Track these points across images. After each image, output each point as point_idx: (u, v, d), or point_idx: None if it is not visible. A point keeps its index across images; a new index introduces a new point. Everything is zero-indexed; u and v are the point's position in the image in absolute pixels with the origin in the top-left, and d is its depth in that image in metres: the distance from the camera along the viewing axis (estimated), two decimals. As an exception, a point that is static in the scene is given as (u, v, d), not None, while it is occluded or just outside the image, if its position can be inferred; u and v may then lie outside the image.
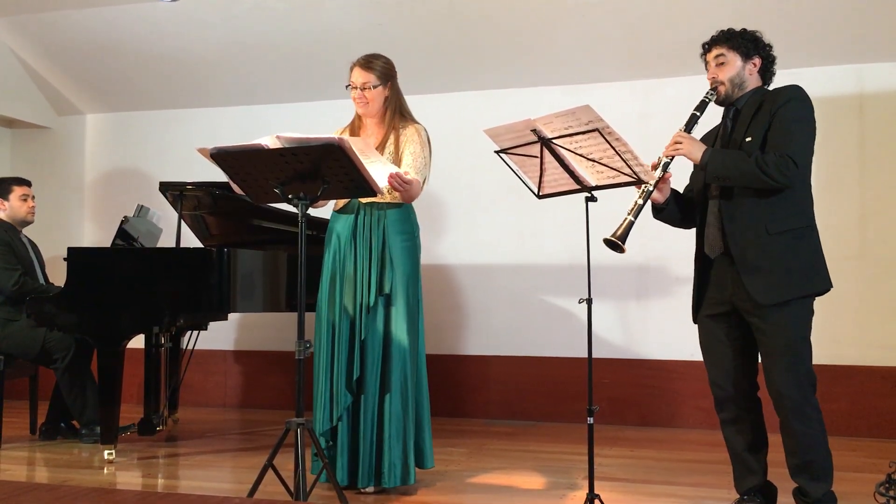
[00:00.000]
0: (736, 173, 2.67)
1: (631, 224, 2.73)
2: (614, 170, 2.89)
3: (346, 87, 3.38)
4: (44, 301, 3.95)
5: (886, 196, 4.61)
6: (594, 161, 2.89)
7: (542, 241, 5.11)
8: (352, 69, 3.37)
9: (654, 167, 2.77)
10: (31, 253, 4.54)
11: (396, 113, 3.40)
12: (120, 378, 3.87)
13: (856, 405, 4.51)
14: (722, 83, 2.82)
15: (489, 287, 5.23)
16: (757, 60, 2.83)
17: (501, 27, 4.76)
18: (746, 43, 2.81)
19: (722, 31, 2.87)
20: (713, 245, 2.80)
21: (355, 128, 3.44)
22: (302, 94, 5.51)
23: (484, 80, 5.19)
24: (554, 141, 2.88)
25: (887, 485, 3.01)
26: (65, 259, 3.92)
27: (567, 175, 2.99)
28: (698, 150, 2.74)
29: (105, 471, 3.74)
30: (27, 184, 4.57)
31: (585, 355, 3.01)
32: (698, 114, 2.82)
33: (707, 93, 2.83)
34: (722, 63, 2.82)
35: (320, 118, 5.20)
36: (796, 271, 2.67)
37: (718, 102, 2.86)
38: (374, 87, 3.32)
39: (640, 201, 2.75)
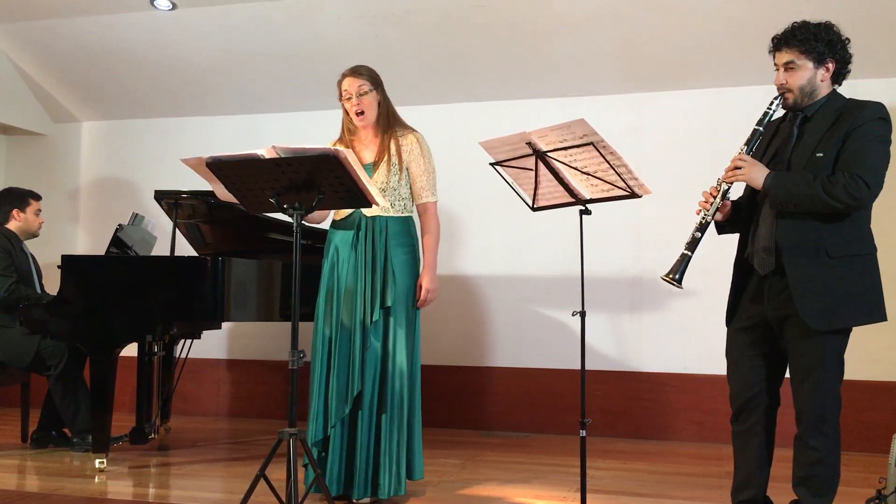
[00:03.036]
0: (801, 198, 2.50)
1: (688, 259, 2.61)
2: (608, 183, 2.90)
3: (339, 99, 3.38)
4: (37, 308, 3.94)
5: (879, 209, 4.62)
6: (589, 174, 2.91)
7: (536, 252, 5.12)
8: (340, 81, 3.38)
9: (713, 194, 2.64)
10: (31, 264, 4.56)
11: (389, 119, 3.41)
12: (112, 386, 3.86)
13: (845, 419, 4.44)
14: (790, 90, 2.61)
15: (483, 298, 5.24)
16: (830, 65, 2.61)
17: (497, 39, 4.79)
18: (821, 47, 2.58)
19: (796, 27, 2.62)
20: (764, 262, 2.64)
21: (346, 141, 3.42)
22: (298, 104, 5.53)
23: (479, 92, 5.21)
24: (549, 154, 2.90)
25: (877, 500, 3.02)
26: (59, 266, 3.92)
27: (562, 188, 3.00)
28: (760, 175, 2.56)
29: (96, 479, 3.73)
30: (41, 199, 4.65)
31: (578, 367, 3.02)
32: (760, 129, 2.65)
33: (770, 103, 2.63)
34: (792, 69, 2.60)
35: (316, 128, 5.22)
36: (853, 299, 2.55)
37: (785, 108, 2.67)
38: (369, 91, 3.33)
39: (699, 234, 2.62)
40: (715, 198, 2.65)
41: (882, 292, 2.62)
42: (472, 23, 4.70)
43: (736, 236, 2.84)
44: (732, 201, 2.79)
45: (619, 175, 2.85)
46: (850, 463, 4.15)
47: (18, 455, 4.27)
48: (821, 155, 2.55)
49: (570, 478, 3.75)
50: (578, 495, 2.99)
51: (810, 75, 2.60)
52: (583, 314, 2.99)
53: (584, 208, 3.01)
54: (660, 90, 4.96)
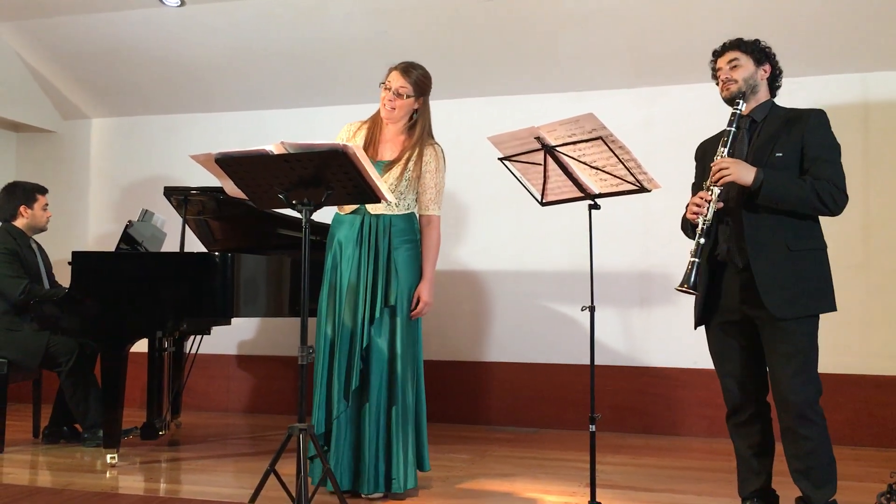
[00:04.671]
0: (791, 198, 2.66)
1: (696, 265, 2.68)
2: (617, 178, 2.90)
3: (380, 84, 3.37)
4: (48, 304, 3.96)
5: (891, 205, 4.60)
6: (597, 169, 2.90)
7: (545, 247, 5.11)
8: (390, 71, 3.37)
9: (707, 199, 2.72)
10: (38, 259, 4.55)
11: (423, 129, 3.39)
12: (123, 382, 3.87)
13: (859, 414, 4.51)
14: (735, 81, 2.82)
15: (491, 293, 5.24)
16: (767, 67, 2.86)
17: (505, 34, 4.78)
18: (757, 50, 2.85)
19: (731, 39, 2.90)
20: (737, 255, 2.76)
21: (377, 125, 3.41)
22: (306, 100, 5.53)
23: (487, 87, 5.20)
24: (557, 149, 2.90)
25: (888, 494, 3.01)
26: (69, 263, 3.93)
27: (570, 182, 3.00)
28: (748, 173, 2.68)
29: (107, 475, 3.75)
30: (47, 192, 4.61)
31: (588, 362, 3.02)
32: (733, 129, 2.77)
33: (735, 104, 2.79)
34: (736, 66, 2.83)
35: (324, 123, 5.22)
36: (812, 290, 2.70)
37: (728, 98, 2.83)
38: (408, 96, 3.33)
39: (702, 240, 2.70)
40: (709, 202, 2.72)
41: (833, 284, 2.77)
42: (480, 18, 4.69)
43: None
44: None
45: (628, 169, 2.84)
46: (861, 457, 4.14)
47: (30, 450, 4.29)
48: (780, 155, 2.73)
49: (580, 473, 3.74)
50: (588, 490, 2.99)
51: (752, 71, 2.84)
52: (592, 309, 3.00)
53: (593, 203, 3.01)
54: (669, 84, 4.94)
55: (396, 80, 3.33)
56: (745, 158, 2.77)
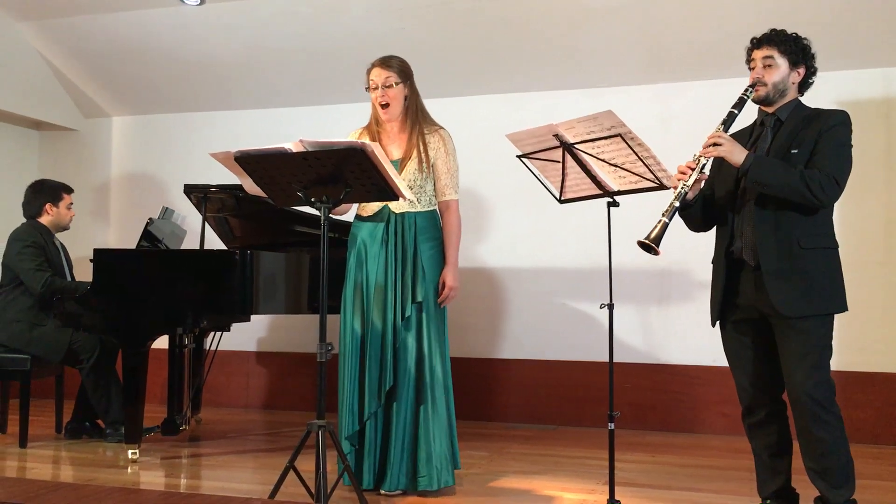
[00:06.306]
0: (779, 183, 2.62)
1: (665, 226, 2.67)
2: (637, 175, 2.89)
3: (366, 89, 3.39)
4: (70, 301, 4.00)
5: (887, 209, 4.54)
6: (616, 166, 2.89)
7: (563, 245, 5.10)
8: (369, 71, 3.37)
9: (691, 167, 2.70)
10: (62, 256, 4.60)
11: (418, 115, 3.40)
12: (144, 378, 3.91)
13: (881, 413, 4.46)
14: (765, 84, 2.75)
15: (510, 291, 5.23)
16: (802, 70, 2.78)
17: (523, 31, 4.77)
18: (797, 50, 2.76)
19: (775, 30, 2.78)
20: (751, 253, 2.74)
21: (373, 132, 3.42)
22: (324, 98, 5.55)
23: (505, 84, 5.19)
24: (576, 146, 2.89)
25: (912, 494, 2.98)
26: (91, 260, 3.97)
27: (589, 180, 2.99)
28: (739, 153, 2.66)
29: (129, 470, 3.78)
30: (72, 192, 4.67)
31: (607, 360, 3.01)
32: (737, 112, 2.74)
33: (746, 90, 2.75)
34: (770, 65, 2.75)
35: (342, 121, 5.22)
36: (823, 288, 2.67)
37: (755, 101, 2.78)
38: (396, 84, 3.32)
39: (676, 203, 2.69)
40: (693, 170, 2.70)
41: (844, 284, 2.73)
42: (498, 15, 4.68)
43: None
44: (706, 197, 2.88)
45: (647, 167, 2.83)
46: (882, 456, 4.10)
47: (53, 446, 4.34)
48: (795, 151, 2.70)
49: (599, 471, 3.74)
50: (607, 488, 2.98)
51: (784, 74, 2.77)
52: (611, 307, 2.99)
53: (611, 200, 3.00)
54: (687, 80, 4.91)
55: (380, 75, 3.32)
56: (765, 155, 2.74)
